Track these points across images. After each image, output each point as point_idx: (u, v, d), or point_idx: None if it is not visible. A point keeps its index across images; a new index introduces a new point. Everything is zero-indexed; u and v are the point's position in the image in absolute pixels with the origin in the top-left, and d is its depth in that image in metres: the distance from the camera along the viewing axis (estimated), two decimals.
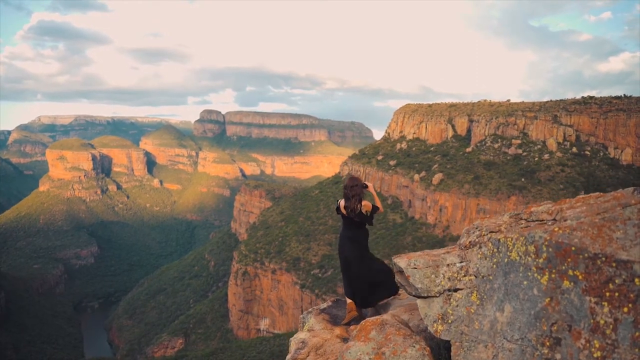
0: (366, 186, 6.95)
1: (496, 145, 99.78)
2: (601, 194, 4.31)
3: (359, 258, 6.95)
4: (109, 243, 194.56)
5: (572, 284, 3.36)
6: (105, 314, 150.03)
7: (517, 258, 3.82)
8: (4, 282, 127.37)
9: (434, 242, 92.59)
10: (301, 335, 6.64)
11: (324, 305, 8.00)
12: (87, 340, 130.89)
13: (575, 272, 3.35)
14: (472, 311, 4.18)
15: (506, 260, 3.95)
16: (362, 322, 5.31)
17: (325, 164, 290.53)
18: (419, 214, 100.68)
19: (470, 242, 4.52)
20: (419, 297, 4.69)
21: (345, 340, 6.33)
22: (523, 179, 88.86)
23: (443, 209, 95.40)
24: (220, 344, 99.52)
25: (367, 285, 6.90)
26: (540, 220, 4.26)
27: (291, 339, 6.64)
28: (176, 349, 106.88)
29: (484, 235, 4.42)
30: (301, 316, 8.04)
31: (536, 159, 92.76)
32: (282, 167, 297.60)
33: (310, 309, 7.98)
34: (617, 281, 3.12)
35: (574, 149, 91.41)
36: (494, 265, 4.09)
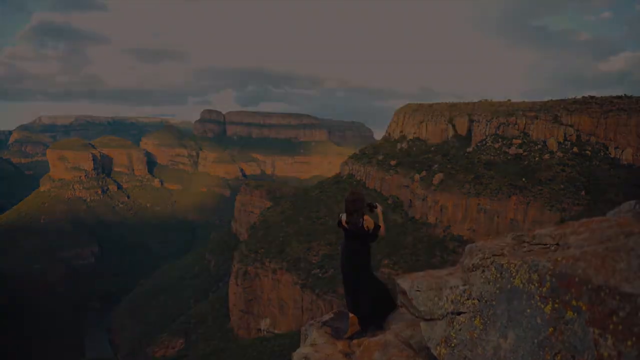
0: (376, 206, 7.03)
1: (497, 145, 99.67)
2: (604, 218, 4.30)
3: (360, 273, 6.94)
4: (109, 243, 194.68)
5: (575, 314, 3.36)
6: (106, 313, 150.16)
7: (521, 285, 3.82)
8: (5, 282, 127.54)
9: (435, 242, 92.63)
10: (304, 350, 6.65)
11: (325, 318, 8.01)
12: (88, 340, 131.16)
13: (578, 303, 3.35)
14: (476, 336, 4.19)
15: (509, 286, 3.95)
16: (366, 341, 5.32)
17: (325, 163, 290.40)
18: (419, 214, 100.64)
19: (473, 264, 4.52)
20: (422, 319, 4.68)
21: (348, 355, 6.34)
22: (524, 179, 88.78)
23: (444, 208, 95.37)
24: (221, 344, 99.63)
25: (369, 301, 6.88)
26: (544, 244, 4.26)
27: (294, 353, 6.65)
28: (177, 348, 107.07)
29: (487, 258, 4.42)
30: (303, 328, 8.05)
31: (537, 158, 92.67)
32: (283, 167, 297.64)
33: (312, 321, 7.98)
34: (621, 314, 3.12)
35: (575, 149, 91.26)
36: (497, 291, 4.09)
